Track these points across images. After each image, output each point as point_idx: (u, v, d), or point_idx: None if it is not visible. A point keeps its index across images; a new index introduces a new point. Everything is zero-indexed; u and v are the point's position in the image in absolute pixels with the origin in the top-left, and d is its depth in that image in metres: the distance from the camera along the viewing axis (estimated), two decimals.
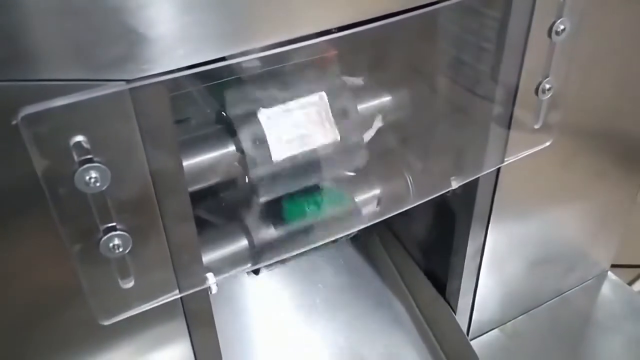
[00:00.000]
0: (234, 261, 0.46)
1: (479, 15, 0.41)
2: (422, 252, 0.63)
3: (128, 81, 0.29)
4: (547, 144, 0.48)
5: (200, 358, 0.45)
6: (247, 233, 0.46)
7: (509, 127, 0.45)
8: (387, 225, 0.67)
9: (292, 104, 0.44)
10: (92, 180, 0.30)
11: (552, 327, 0.64)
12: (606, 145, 0.56)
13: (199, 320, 0.43)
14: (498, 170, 0.49)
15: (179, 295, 0.38)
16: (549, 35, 0.41)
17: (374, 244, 0.68)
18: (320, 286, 0.65)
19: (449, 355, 0.60)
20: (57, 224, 0.31)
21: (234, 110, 0.43)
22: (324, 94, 0.44)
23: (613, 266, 0.71)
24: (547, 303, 0.66)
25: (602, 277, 0.69)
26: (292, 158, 0.43)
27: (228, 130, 0.42)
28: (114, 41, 0.28)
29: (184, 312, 0.41)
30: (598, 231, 0.64)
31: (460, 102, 0.46)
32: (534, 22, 0.40)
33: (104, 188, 0.31)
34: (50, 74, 0.27)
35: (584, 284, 0.68)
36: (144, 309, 0.36)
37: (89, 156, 0.30)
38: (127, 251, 0.34)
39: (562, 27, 0.41)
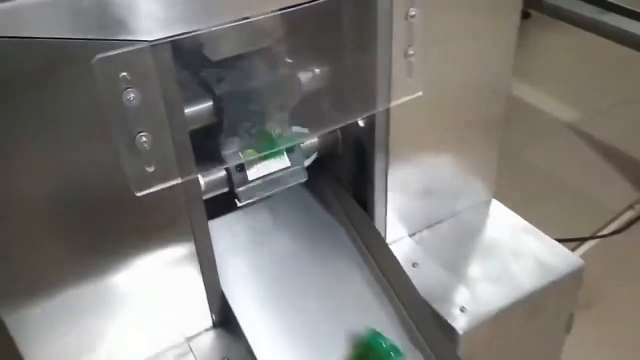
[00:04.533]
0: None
1: (361, 6, 0.66)
2: (352, 184, 0.86)
3: (149, 41, 0.53)
4: (420, 93, 0.73)
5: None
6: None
7: (389, 80, 0.70)
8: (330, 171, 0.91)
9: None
10: (131, 98, 0.54)
11: (451, 238, 0.88)
12: (468, 99, 0.81)
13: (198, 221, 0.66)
14: (389, 112, 0.74)
15: (180, 181, 0.61)
16: (406, 18, 0.66)
17: (323, 185, 0.91)
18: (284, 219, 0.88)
19: (374, 255, 0.83)
20: (112, 127, 0.55)
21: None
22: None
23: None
24: (447, 220, 0.90)
25: (488, 202, 0.93)
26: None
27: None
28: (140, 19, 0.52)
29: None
30: (474, 166, 0.88)
31: (359, 64, 0.71)
32: (394, 10, 0.65)
33: (136, 104, 0.55)
34: (111, 36, 0.51)
35: (473, 207, 0.92)
36: (159, 188, 0.60)
37: (129, 85, 0.54)
38: (149, 147, 0.57)
39: (413, 13, 0.66)
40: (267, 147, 0.72)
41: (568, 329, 0.90)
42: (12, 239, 0.57)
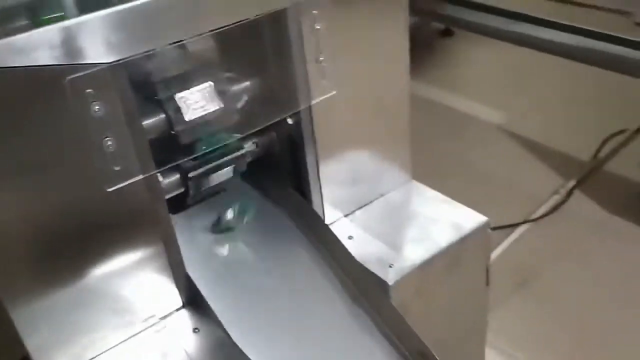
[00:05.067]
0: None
1: (276, 23, 0.82)
2: (291, 176, 1.01)
3: (107, 63, 0.67)
4: (334, 92, 0.89)
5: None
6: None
7: (307, 82, 0.86)
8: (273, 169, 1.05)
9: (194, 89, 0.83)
10: (97, 109, 0.68)
11: (379, 214, 1.04)
12: (375, 96, 0.98)
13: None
14: (311, 110, 0.89)
15: (142, 177, 0.75)
16: (313, 31, 0.83)
17: (266, 181, 1.05)
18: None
19: (315, 234, 0.98)
20: (85, 133, 0.68)
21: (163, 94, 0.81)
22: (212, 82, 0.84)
23: None
24: (375, 200, 1.06)
25: (408, 183, 1.09)
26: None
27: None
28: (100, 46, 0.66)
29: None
30: (390, 153, 1.05)
31: (281, 71, 0.87)
32: (303, 25, 0.82)
33: (101, 114, 0.68)
34: (78, 61, 0.66)
35: (396, 188, 1.08)
36: (126, 183, 0.73)
37: (94, 99, 0.68)
38: (114, 150, 0.71)
39: (318, 27, 0.83)
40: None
41: (487, 281, 1.06)
42: None
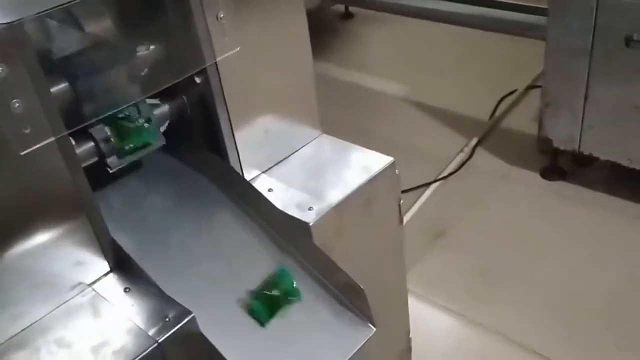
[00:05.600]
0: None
1: None
2: (207, 139, 1.04)
3: (3, 24, 0.68)
4: (237, 49, 0.93)
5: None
6: None
7: (210, 40, 0.89)
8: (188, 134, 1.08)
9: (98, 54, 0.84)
10: (0, 71, 0.68)
11: (295, 167, 1.09)
12: (277, 56, 1.02)
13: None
14: (217, 68, 0.93)
15: (53, 139, 0.75)
16: None
17: (183, 147, 1.07)
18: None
19: (235, 190, 1.01)
20: None
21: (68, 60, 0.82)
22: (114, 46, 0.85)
23: None
24: (291, 155, 1.11)
25: (319, 136, 1.15)
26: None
27: None
28: None
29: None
30: (299, 111, 1.10)
31: (184, 30, 0.89)
32: None
33: (5, 76, 0.69)
34: None
35: (308, 142, 1.13)
36: (37, 146, 0.74)
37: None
38: (22, 112, 0.71)
39: None
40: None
41: (401, 219, 1.14)
42: None
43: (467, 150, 2.41)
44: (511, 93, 2.69)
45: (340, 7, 3.61)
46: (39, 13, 0.70)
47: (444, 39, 3.12)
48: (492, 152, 2.40)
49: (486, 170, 2.31)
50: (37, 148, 0.74)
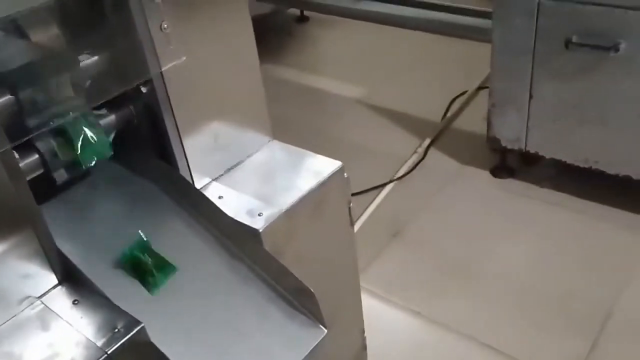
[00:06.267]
0: None
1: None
2: (155, 147, 1.04)
3: None
4: (183, 58, 0.94)
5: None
6: None
7: (154, 50, 0.90)
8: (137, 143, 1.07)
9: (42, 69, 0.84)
10: None
11: (246, 174, 1.10)
12: (224, 60, 1.04)
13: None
14: (163, 78, 0.93)
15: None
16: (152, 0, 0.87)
17: (131, 156, 1.07)
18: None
19: (185, 198, 1.02)
20: None
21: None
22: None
23: None
24: (241, 162, 1.12)
25: (270, 143, 1.16)
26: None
27: None
28: None
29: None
30: (249, 117, 1.11)
31: (127, 40, 0.90)
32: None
33: None
34: None
35: (259, 149, 1.15)
36: None
37: None
38: None
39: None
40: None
41: (351, 221, 1.17)
42: None
43: (421, 150, 2.46)
44: (462, 94, 2.76)
45: (296, 11, 3.64)
46: None
47: (396, 41, 3.18)
48: (445, 152, 2.46)
49: (439, 170, 2.37)
50: None
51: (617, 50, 1.72)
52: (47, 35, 0.84)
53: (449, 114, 2.67)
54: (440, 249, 2.03)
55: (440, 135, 2.56)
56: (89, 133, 0.90)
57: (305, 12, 3.64)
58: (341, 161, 1.09)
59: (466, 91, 2.77)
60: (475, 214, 2.16)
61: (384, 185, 2.29)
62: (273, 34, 3.49)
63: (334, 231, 1.15)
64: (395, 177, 2.33)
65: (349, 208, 1.14)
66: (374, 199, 2.24)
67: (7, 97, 0.81)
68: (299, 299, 0.95)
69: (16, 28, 0.79)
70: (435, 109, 2.70)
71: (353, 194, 1.16)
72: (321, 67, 3.34)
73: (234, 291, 0.96)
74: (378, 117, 2.75)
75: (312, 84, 3.10)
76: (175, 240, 1.00)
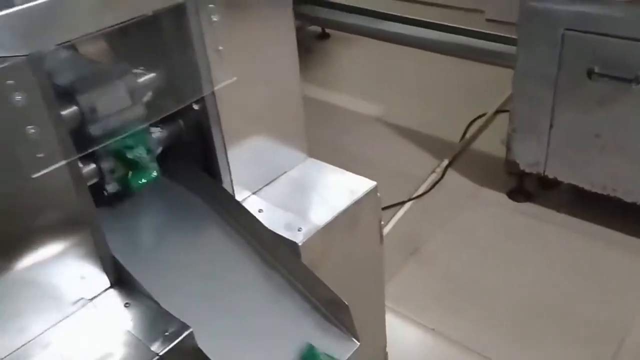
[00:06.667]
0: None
1: (178, 17, 0.91)
2: (202, 161, 1.09)
3: (24, 55, 0.72)
4: (234, 79, 0.99)
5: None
6: None
7: (209, 70, 0.95)
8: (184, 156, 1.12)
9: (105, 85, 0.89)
10: (19, 99, 0.73)
11: (284, 188, 1.15)
12: (270, 86, 1.09)
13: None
14: (215, 96, 0.99)
15: (64, 162, 0.80)
16: (211, 23, 0.92)
17: (181, 168, 1.12)
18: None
19: (227, 210, 1.07)
20: (8, 122, 0.73)
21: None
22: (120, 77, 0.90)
23: None
24: (279, 177, 1.17)
25: (305, 160, 1.21)
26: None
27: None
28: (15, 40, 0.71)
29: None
30: (288, 136, 1.16)
31: (185, 60, 0.95)
32: (201, 17, 0.91)
33: (24, 104, 0.73)
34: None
35: (296, 165, 1.20)
36: (50, 169, 0.78)
37: (16, 89, 0.72)
38: (37, 138, 0.76)
39: (215, 19, 0.92)
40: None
41: (381, 239, 1.21)
42: None
43: (439, 170, 2.50)
44: (480, 116, 2.81)
45: (317, 28, 3.71)
46: (57, 45, 0.75)
47: (417, 61, 3.23)
48: (462, 173, 2.50)
49: (457, 190, 2.41)
50: (48, 171, 0.79)
51: (638, 82, 1.76)
52: (112, 53, 0.90)
53: (467, 136, 2.72)
54: (456, 268, 2.07)
55: (458, 156, 2.61)
56: (140, 158, 0.95)
57: (327, 30, 3.71)
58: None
59: (485, 114, 2.82)
60: (491, 235, 2.20)
61: (402, 203, 2.33)
62: None
63: (365, 247, 1.19)
64: (413, 196, 2.37)
65: (380, 225, 1.19)
66: (392, 216, 2.28)
67: (74, 109, 0.86)
68: (333, 311, 0.99)
69: (87, 46, 0.84)
70: (453, 130, 2.74)
71: None
72: (341, 83, 3.39)
73: (270, 300, 1.01)
74: (396, 136, 2.80)
75: (331, 100, 3.15)
76: (216, 249, 1.05)
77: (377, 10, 2.81)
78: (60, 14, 0.75)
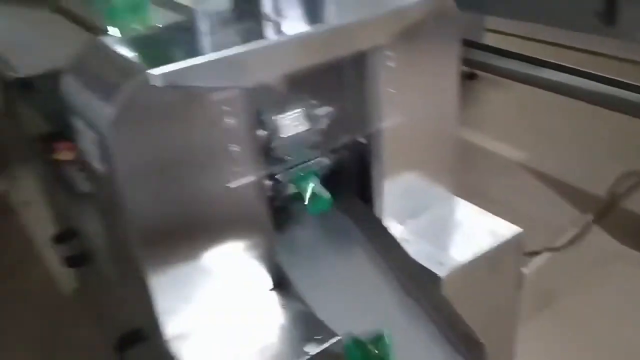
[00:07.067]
0: None
1: (360, 60, 1.03)
2: (358, 189, 1.20)
3: (247, 87, 0.88)
4: (400, 119, 1.09)
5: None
6: None
7: (379, 109, 1.06)
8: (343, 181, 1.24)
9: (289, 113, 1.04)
10: (228, 123, 0.88)
11: (429, 222, 1.22)
12: (430, 126, 1.18)
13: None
14: (380, 133, 1.09)
15: (254, 178, 0.95)
16: (386, 68, 1.04)
17: (339, 191, 1.24)
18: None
19: (376, 235, 1.16)
20: (217, 140, 0.89)
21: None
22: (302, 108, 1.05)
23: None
24: (426, 211, 1.24)
25: (452, 198, 1.28)
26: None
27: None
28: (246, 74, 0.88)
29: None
30: (439, 173, 1.24)
31: (361, 98, 1.07)
32: (378, 63, 1.03)
33: (231, 127, 0.89)
34: (223, 85, 0.87)
35: (442, 202, 1.27)
36: (244, 181, 0.93)
37: (228, 115, 0.88)
38: (237, 156, 0.91)
39: (390, 64, 1.03)
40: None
41: (520, 285, 1.24)
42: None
43: (581, 224, 2.41)
44: (632, 173, 2.67)
45: (466, 67, 3.75)
46: (260, 82, 0.90)
47: (567, 108, 3.14)
48: (606, 230, 2.39)
49: (598, 247, 2.31)
50: (241, 182, 0.94)
51: None
52: (296, 85, 1.04)
53: (614, 191, 2.59)
54: (589, 329, 1.98)
55: (604, 211, 2.49)
56: (317, 190, 1.08)
57: (475, 70, 3.73)
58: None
59: (636, 170, 2.67)
60: (631, 300, 2.08)
61: (537, 253, 2.28)
62: None
63: (503, 291, 1.22)
64: (550, 247, 2.31)
65: (521, 272, 1.22)
66: (527, 264, 2.24)
67: (264, 132, 1.01)
68: (467, 347, 1.04)
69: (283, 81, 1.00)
70: (599, 183, 2.63)
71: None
72: (486, 125, 3.39)
73: (405, 326, 1.08)
74: (538, 183, 2.74)
75: (474, 141, 3.16)
76: (362, 269, 1.15)
77: (529, 55, 2.79)
78: (271, 56, 0.91)
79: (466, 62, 3.44)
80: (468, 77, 3.77)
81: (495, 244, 1.14)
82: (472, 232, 1.18)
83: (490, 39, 3.44)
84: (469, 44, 3.04)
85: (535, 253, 2.28)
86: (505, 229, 1.18)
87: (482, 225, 1.20)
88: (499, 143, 3.14)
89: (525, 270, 2.19)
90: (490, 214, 1.22)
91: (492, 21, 3.46)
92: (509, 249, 1.16)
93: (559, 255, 2.29)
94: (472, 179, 2.76)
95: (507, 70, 2.90)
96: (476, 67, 3.51)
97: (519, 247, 1.18)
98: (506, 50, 2.92)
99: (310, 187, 1.05)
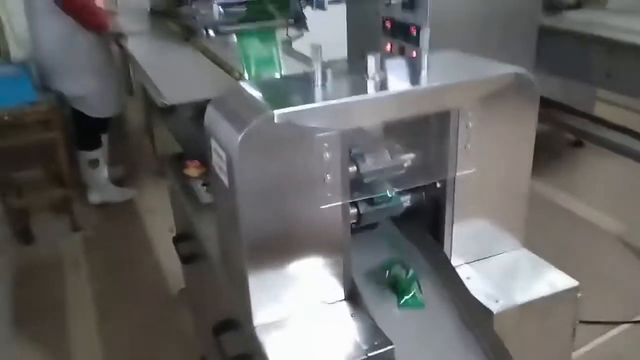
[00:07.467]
0: None
1: (444, 117, 1.23)
2: (430, 227, 1.38)
3: (340, 130, 1.11)
4: (474, 170, 1.27)
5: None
6: None
7: (456, 160, 1.25)
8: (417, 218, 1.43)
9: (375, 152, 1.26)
10: (327, 156, 1.12)
11: (493, 266, 1.36)
12: (502, 177, 1.33)
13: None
14: (454, 180, 1.27)
15: (341, 203, 1.16)
16: (466, 126, 1.22)
17: (412, 226, 1.43)
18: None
19: (442, 271, 1.32)
20: (315, 170, 1.12)
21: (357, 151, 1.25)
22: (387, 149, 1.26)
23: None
24: (492, 256, 1.38)
25: (519, 249, 1.41)
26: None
27: None
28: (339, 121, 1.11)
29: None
30: (509, 223, 1.38)
31: (440, 148, 1.26)
32: (460, 121, 1.21)
33: (329, 160, 1.12)
34: (326, 127, 1.10)
35: (509, 250, 1.40)
36: (333, 205, 1.15)
37: (328, 150, 1.12)
38: (329, 183, 1.14)
39: (469, 124, 1.22)
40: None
41: (572, 340, 1.33)
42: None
43: None
44: None
45: (572, 135, 3.76)
46: (358, 126, 1.13)
47: None
48: None
49: None
50: (331, 206, 1.16)
51: None
52: (385, 129, 1.25)
53: None
54: None
55: None
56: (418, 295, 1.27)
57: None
58: (581, 284, 1.27)
59: None
60: None
61: (618, 323, 2.27)
62: (545, 153, 3.66)
63: (554, 342, 1.32)
64: (633, 319, 2.29)
65: (574, 328, 1.31)
66: (603, 333, 2.24)
67: (354, 167, 1.23)
68: None
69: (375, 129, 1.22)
70: None
71: (581, 322, 1.32)
72: (585, 194, 3.38)
73: (459, 353, 1.23)
74: (632, 256, 2.71)
75: (571, 208, 3.17)
76: (426, 298, 1.31)
77: (634, 129, 2.80)
78: (369, 107, 1.14)
79: (572, 130, 3.48)
80: (574, 145, 3.78)
81: (550, 292, 1.26)
82: (531, 280, 1.31)
83: (599, 110, 3.46)
84: (573, 111, 3.10)
85: (616, 323, 2.27)
86: (562, 281, 1.29)
87: (543, 274, 1.32)
88: (597, 213, 3.13)
89: (600, 337, 2.21)
90: (552, 267, 1.34)
91: (604, 92, 3.49)
92: (563, 299, 1.27)
93: (637, 328, 2.27)
94: (562, 242, 2.80)
95: (610, 142, 2.91)
96: (581, 136, 3.53)
97: (573, 299, 1.28)
98: (611, 122, 2.95)
99: (413, 291, 1.27)
